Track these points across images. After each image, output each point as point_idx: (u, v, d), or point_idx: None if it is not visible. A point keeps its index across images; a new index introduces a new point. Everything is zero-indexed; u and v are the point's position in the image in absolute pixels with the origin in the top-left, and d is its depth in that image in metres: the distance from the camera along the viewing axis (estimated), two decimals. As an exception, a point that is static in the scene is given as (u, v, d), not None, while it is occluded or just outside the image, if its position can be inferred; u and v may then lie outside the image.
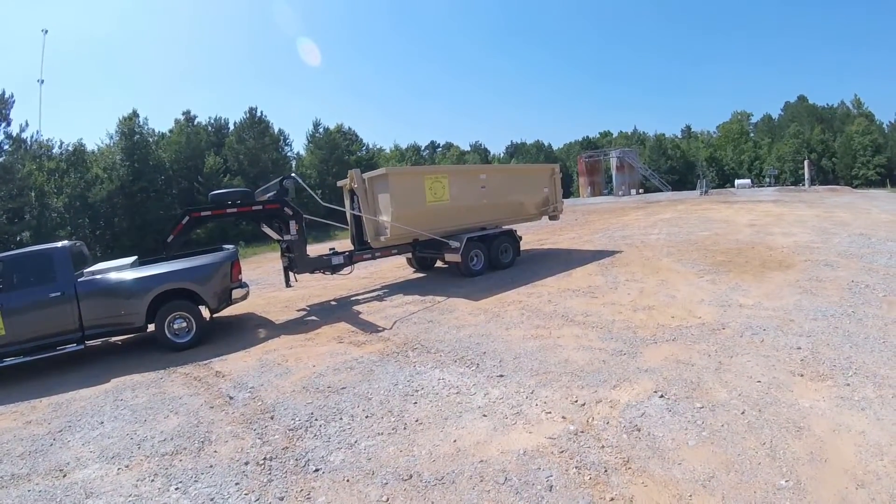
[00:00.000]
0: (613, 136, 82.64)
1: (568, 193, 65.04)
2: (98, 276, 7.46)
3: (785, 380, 4.63)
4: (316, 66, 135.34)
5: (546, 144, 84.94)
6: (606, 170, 56.45)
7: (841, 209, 20.46)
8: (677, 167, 67.79)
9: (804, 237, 12.46)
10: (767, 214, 19.00)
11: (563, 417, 4.18)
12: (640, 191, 48.69)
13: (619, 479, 3.31)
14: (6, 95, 28.82)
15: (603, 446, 3.70)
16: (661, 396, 4.44)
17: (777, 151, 65.90)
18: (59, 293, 7.04)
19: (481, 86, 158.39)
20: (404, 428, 4.28)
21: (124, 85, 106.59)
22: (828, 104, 72.29)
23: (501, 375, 5.23)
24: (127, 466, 4.15)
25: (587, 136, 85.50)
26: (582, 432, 3.91)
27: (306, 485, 3.56)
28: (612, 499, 3.12)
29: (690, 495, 3.12)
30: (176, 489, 3.71)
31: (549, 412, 4.30)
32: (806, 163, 51.85)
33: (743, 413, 4.07)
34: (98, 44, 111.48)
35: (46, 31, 37.15)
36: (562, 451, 3.66)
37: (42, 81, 33.40)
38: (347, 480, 3.57)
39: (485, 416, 4.36)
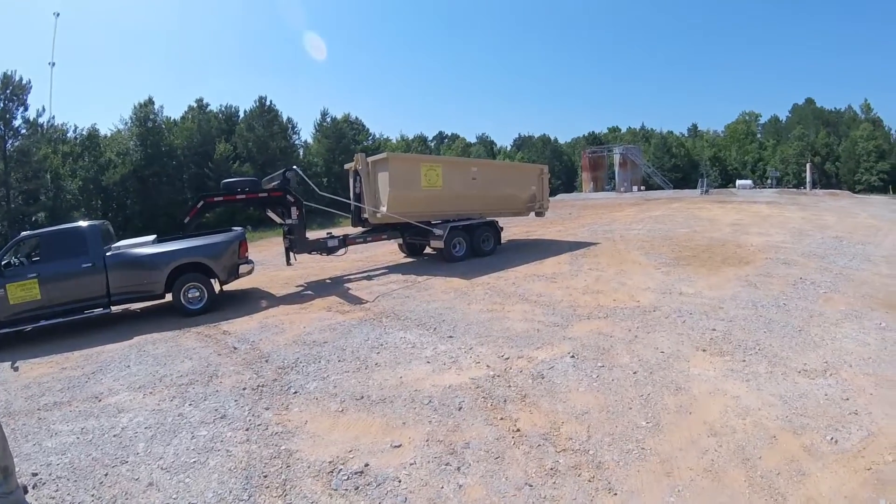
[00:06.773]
0: (622, 131, 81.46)
1: (571, 188, 65.39)
2: (124, 251, 8.70)
3: (687, 352, 5.42)
4: (322, 60, 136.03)
5: (553, 139, 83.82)
6: (610, 166, 56.46)
7: (830, 212, 20.88)
8: (681, 165, 67.18)
9: (777, 237, 13.13)
10: (755, 215, 19.49)
11: (488, 366, 5.35)
12: (642, 188, 48.94)
13: (512, 407, 4.46)
14: (24, 81, 30.38)
15: (510, 386, 4.86)
16: (572, 357, 5.47)
17: (781, 153, 65.30)
18: (90, 264, 8.23)
19: (490, 78, 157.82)
20: (365, 368, 5.51)
21: (136, 70, 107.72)
22: (835, 108, 71.28)
23: (451, 336, 6.43)
24: (151, 393, 5.36)
25: (594, 132, 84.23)
26: (498, 376, 5.08)
27: (286, 400, 4.83)
28: (501, 418, 4.26)
29: (563, 423, 4.13)
30: (189, 405, 4.95)
31: (479, 362, 5.48)
32: (808, 166, 51.89)
33: (635, 373, 4.97)
34: (111, 28, 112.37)
35: (58, 14, 38.53)
36: (477, 387, 4.85)
37: (53, 64, 34.69)
38: (316, 398, 4.83)
39: (428, 363, 5.57)
